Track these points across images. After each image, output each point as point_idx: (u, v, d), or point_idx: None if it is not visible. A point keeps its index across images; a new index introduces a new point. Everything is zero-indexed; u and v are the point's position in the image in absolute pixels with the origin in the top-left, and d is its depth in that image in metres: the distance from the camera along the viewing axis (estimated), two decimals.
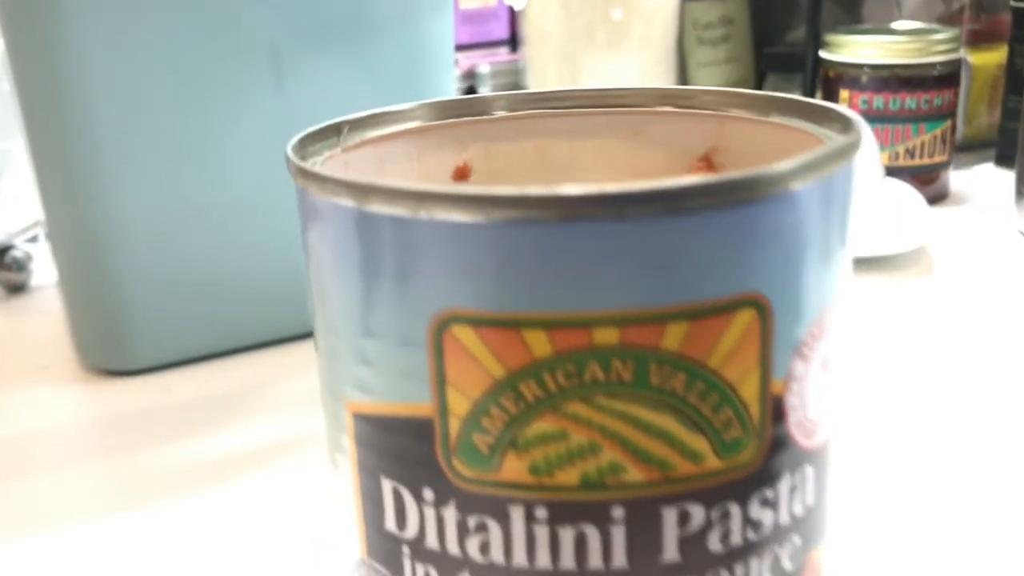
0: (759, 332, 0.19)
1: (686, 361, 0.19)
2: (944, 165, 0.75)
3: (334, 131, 0.26)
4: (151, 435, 0.49)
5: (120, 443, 0.48)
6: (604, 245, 0.18)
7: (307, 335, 0.59)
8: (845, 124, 0.23)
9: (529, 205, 0.18)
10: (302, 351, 0.58)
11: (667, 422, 0.19)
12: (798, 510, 0.21)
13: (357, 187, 0.19)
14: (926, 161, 0.74)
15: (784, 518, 0.21)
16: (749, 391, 0.20)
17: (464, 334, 0.19)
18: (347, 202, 0.20)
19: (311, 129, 0.25)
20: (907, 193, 0.64)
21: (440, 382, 0.20)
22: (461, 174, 0.30)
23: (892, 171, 0.73)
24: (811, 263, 0.20)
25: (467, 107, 0.29)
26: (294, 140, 0.24)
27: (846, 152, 0.21)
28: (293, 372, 0.57)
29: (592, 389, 0.19)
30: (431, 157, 0.29)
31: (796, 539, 0.21)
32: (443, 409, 0.20)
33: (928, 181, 0.75)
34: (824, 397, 0.22)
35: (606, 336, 0.19)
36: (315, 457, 0.44)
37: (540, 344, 0.19)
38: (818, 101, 0.25)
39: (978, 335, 0.52)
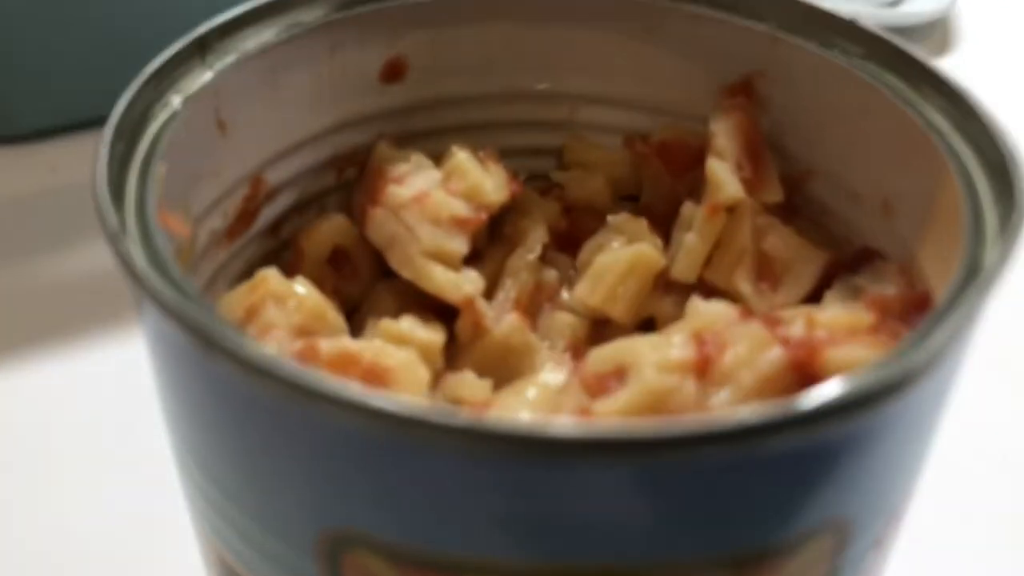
0: (830, 557, 0.13)
1: None
2: None
3: (195, 49, 0.17)
4: (34, 232, 0.41)
5: None
6: (612, 492, 0.11)
7: None
8: (980, 133, 0.15)
9: (501, 444, 0.10)
10: None
11: None
12: None
13: (201, 335, 0.11)
14: None
15: None
16: None
17: (368, 561, 0.12)
18: (191, 346, 0.12)
19: (157, 60, 0.16)
20: None
21: None
22: (392, 72, 0.21)
23: None
24: (913, 462, 0.13)
25: None
26: (123, 97, 0.15)
27: (989, 290, 0.13)
28: None
29: None
30: (349, 52, 0.20)
31: None
32: None
33: None
34: (882, 562, 0.15)
35: None
36: None
37: None
38: (937, 68, 0.16)
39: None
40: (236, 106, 0.18)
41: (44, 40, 0.44)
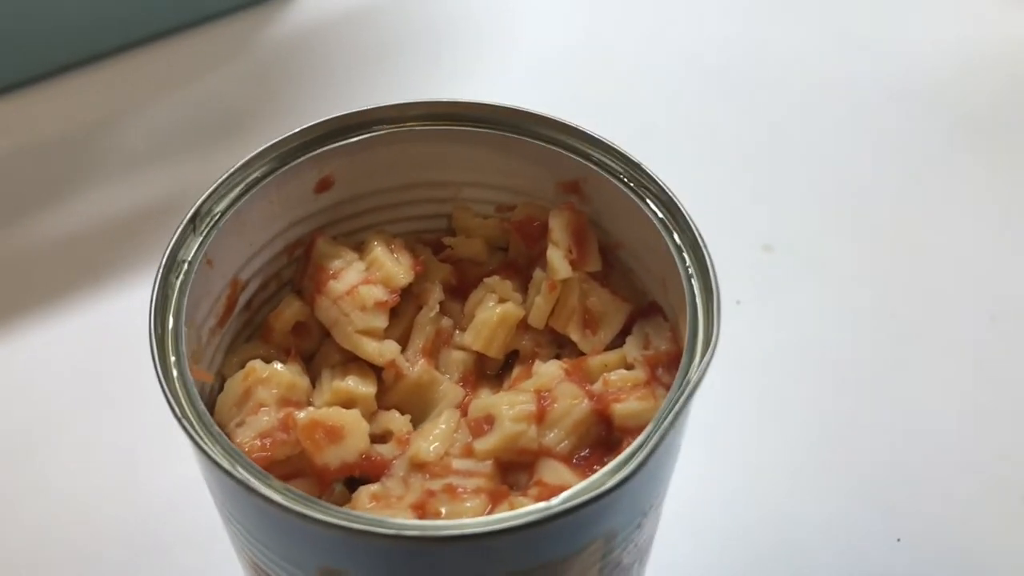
0: (603, 548, 0.23)
1: None
2: None
3: (189, 225, 0.25)
4: None
5: None
6: (477, 554, 0.21)
7: (161, 35, 0.55)
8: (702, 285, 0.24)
9: (403, 540, 0.20)
10: (160, 58, 0.54)
11: None
12: None
13: (242, 483, 0.20)
14: None
15: None
16: (592, 571, 0.24)
17: None
18: (230, 480, 0.21)
19: (163, 260, 0.24)
20: None
21: None
22: (323, 186, 0.28)
23: None
24: (662, 482, 0.23)
25: (322, 132, 0.27)
26: (154, 287, 0.23)
27: (699, 383, 0.22)
28: (149, 92, 0.54)
29: None
30: (292, 184, 0.28)
31: None
32: None
33: None
34: (655, 519, 0.26)
35: None
36: None
37: None
38: (698, 236, 0.25)
39: None
40: (218, 246, 0.26)
41: None
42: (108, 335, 0.42)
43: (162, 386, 0.22)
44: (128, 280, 0.44)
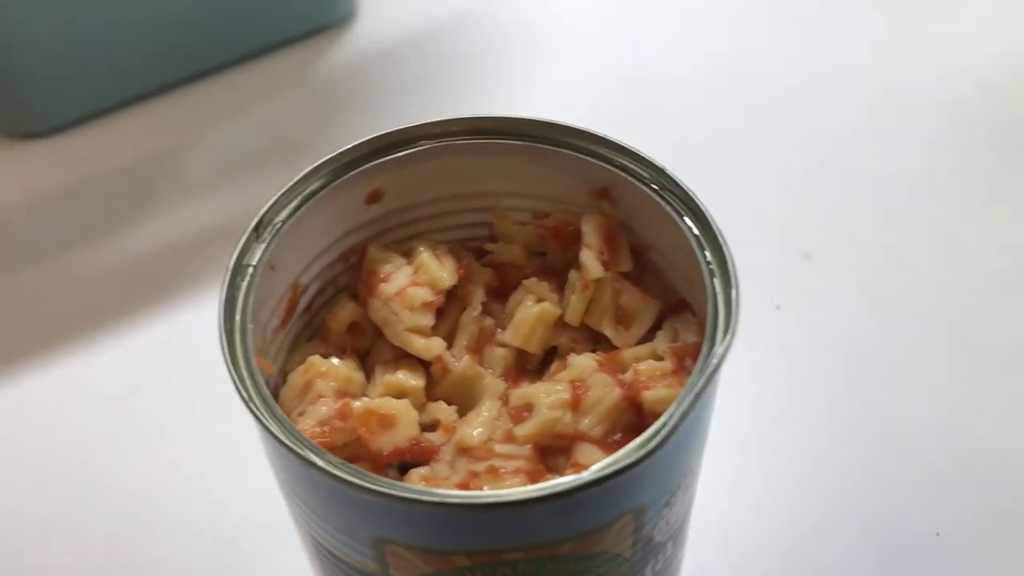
0: (634, 522, 0.25)
1: (576, 556, 0.24)
2: None
3: (253, 233, 0.28)
4: (68, 223, 0.51)
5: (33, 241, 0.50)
6: (515, 522, 0.23)
7: (222, 67, 0.59)
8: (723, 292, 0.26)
9: (445, 507, 0.22)
10: (221, 89, 0.58)
11: None
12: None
13: (301, 457, 0.23)
14: None
15: None
16: (624, 546, 0.25)
17: (400, 551, 0.24)
18: (291, 455, 0.23)
19: (235, 253, 0.27)
20: None
21: (383, 564, 0.25)
22: (373, 198, 0.31)
23: None
24: (687, 462, 0.25)
25: (370, 148, 0.30)
26: (222, 288, 0.26)
27: (719, 368, 0.24)
28: (212, 121, 0.57)
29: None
30: (344, 196, 0.30)
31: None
32: (385, 572, 0.25)
33: None
34: (684, 501, 0.27)
35: (513, 555, 0.24)
36: None
37: (461, 560, 0.24)
38: (717, 232, 0.27)
39: None
40: (279, 253, 0.28)
41: (56, 35, 0.52)
42: (180, 346, 0.45)
43: (231, 373, 0.24)
44: (199, 295, 0.47)
